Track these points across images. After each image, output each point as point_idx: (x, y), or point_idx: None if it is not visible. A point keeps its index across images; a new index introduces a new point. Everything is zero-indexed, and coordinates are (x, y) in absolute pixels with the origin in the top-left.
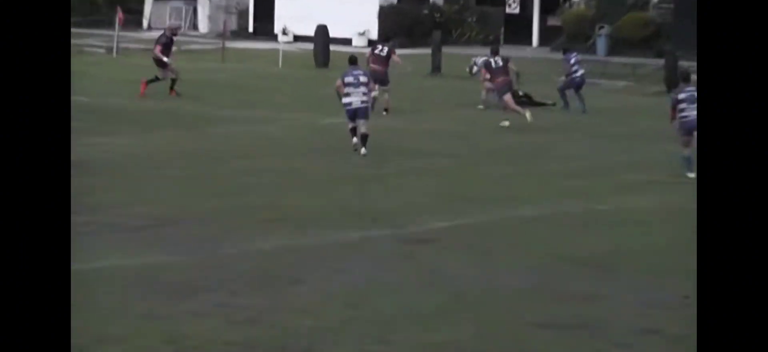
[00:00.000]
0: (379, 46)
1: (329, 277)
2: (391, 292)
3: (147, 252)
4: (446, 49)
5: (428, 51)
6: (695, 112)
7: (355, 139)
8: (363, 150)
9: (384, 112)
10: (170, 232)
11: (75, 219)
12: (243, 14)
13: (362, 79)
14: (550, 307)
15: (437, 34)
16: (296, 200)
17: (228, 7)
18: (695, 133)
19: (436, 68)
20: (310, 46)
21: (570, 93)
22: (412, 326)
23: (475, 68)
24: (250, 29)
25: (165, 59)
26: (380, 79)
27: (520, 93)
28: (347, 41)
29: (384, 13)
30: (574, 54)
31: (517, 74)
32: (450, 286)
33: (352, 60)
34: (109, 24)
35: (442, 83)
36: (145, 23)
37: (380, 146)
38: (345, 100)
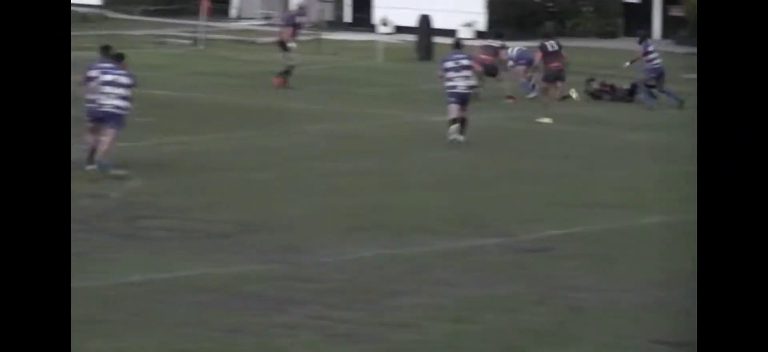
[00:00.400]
0: (493, 42)
1: (433, 289)
2: (503, 306)
3: (232, 261)
4: (560, 41)
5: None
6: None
7: (452, 128)
8: (461, 137)
9: (509, 101)
10: (257, 239)
11: (153, 224)
12: (339, 3)
13: (464, 62)
14: (677, 325)
15: (550, 26)
16: (394, 204)
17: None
18: None
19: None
20: (412, 37)
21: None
22: (528, 344)
23: (510, 63)
24: (348, 19)
25: (291, 44)
26: (490, 71)
27: (595, 85)
28: (452, 33)
29: (492, 3)
30: (650, 43)
31: (567, 64)
32: (566, 300)
33: (457, 44)
34: (194, 13)
35: None
36: (233, 12)
37: (484, 144)
38: (448, 84)
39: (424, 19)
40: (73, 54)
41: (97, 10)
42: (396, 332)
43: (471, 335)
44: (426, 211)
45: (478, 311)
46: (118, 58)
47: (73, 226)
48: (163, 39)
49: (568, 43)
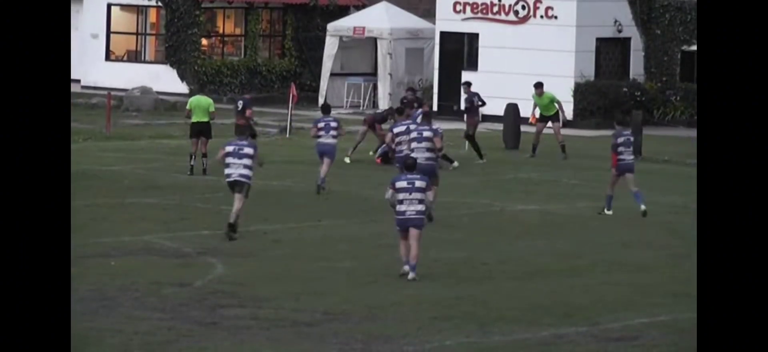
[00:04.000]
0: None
1: None
2: None
3: (316, 350)
4: (647, 131)
5: None
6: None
7: None
8: None
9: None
10: (342, 327)
11: (237, 313)
12: (427, 91)
13: None
14: None
15: (638, 115)
16: (477, 293)
17: (411, 83)
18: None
19: (636, 151)
20: (498, 126)
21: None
22: None
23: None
24: (434, 107)
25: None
26: None
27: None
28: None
29: (580, 91)
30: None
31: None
32: None
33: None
34: (282, 101)
35: (642, 167)
36: (320, 101)
37: (568, 233)
38: None
39: (512, 108)
40: (163, 141)
41: (185, 99)
42: None
43: None
44: (511, 300)
45: None
46: (252, 136)
47: (157, 314)
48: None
49: (656, 132)
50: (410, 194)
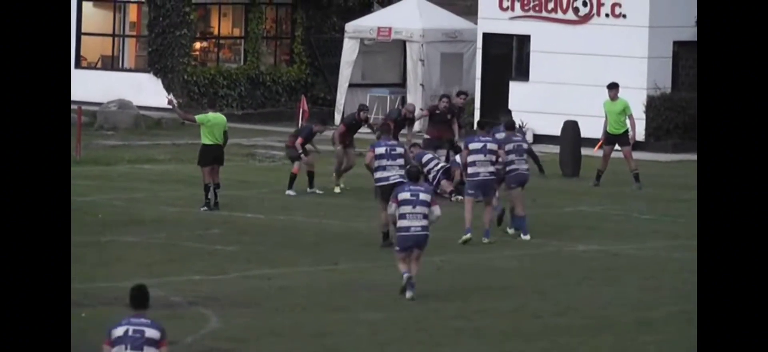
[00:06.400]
0: None
1: None
2: None
3: None
4: None
5: None
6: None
7: None
8: None
9: None
10: None
11: None
12: (468, 105)
13: None
14: None
15: None
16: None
17: (447, 94)
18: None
19: None
20: (554, 148)
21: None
22: None
23: None
24: (476, 124)
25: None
26: None
27: None
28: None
29: (654, 105)
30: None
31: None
32: None
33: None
34: (289, 118)
35: None
36: (337, 117)
37: (639, 281)
38: None
39: (570, 126)
40: (145, 166)
41: (173, 115)
42: None
43: None
44: None
45: None
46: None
47: None
48: (252, 150)
49: None
50: (414, 207)
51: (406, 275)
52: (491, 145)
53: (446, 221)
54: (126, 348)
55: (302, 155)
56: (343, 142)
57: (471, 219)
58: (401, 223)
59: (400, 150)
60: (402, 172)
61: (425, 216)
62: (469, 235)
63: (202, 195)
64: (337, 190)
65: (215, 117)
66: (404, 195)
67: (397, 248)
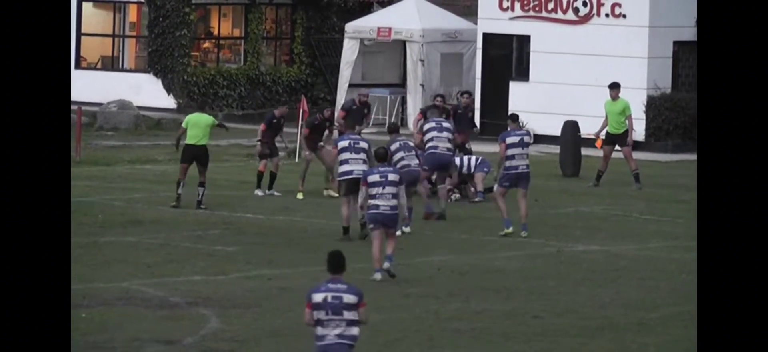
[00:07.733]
0: None
1: None
2: None
3: None
4: None
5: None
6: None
7: None
8: None
9: None
10: None
11: None
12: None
13: None
14: None
15: None
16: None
17: (441, 94)
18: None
19: None
20: (554, 148)
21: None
22: None
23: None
24: (477, 126)
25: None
26: None
27: None
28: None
29: (654, 106)
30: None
31: None
32: None
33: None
34: (290, 118)
35: None
36: (337, 116)
37: (639, 282)
38: None
39: (570, 126)
40: (145, 167)
41: (173, 115)
42: None
43: None
44: None
45: None
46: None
47: None
48: (252, 150)
49: None
50: (383, 188)
51: (376, 275)
52: (527, 139)
53: (447, 221)
54: (326, 314)
55: (258, 144)
56: (309, 146)
57: (507, 209)
58: (371, 202)
59: (363, 144)
60: (365, 167)
61: (394, 196)
62: (510, 228)
63: (202, 196)
64: (299, 196)
65: (196, 117)
66: (373, 177)
67: (371, 225)
